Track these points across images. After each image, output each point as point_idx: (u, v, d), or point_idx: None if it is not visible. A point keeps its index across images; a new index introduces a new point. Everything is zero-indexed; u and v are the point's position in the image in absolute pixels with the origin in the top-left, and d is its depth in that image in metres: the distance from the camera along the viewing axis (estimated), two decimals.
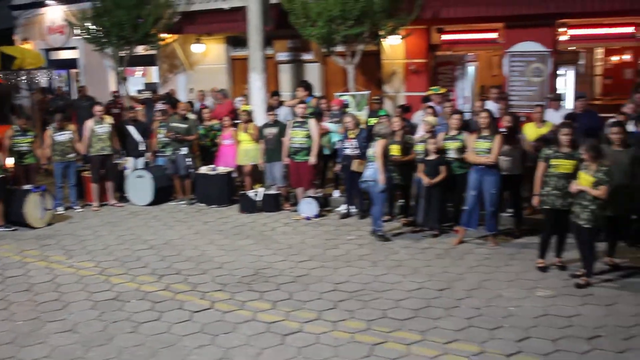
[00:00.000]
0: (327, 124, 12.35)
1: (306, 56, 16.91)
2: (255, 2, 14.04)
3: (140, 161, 13.58)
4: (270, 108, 12.95)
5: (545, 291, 8.10)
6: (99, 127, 12.73)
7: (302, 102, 12.73)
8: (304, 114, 12.00)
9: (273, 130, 12.28)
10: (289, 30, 14.61)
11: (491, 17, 13.83)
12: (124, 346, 6.69)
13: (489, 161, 9.70)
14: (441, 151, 10.29)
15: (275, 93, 14.36)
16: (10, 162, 12.09)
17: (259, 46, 14.27)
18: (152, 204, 13.05)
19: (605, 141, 8.99)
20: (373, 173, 10.21)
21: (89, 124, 12.79)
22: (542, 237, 8.83)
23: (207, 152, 13.80)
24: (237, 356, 6.43)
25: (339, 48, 14.18)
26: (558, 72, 15.33)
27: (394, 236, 10.56)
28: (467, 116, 12.60)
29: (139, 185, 13.13)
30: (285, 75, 17.21)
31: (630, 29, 13.99)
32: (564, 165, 8.41)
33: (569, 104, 14.16)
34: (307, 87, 14.05)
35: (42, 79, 19.97)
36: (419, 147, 10.70)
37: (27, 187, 11.74)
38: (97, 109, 12.98)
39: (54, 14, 19.94)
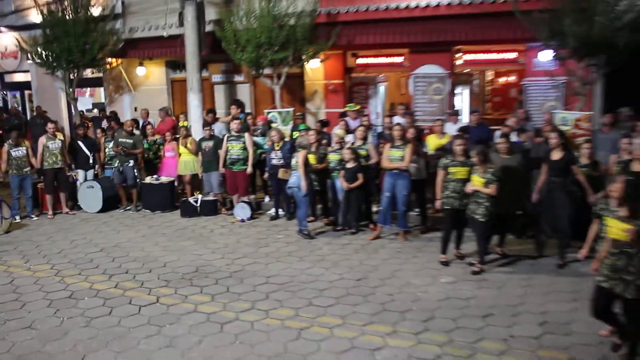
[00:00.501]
0: (254, 138, 12.43)
1: (238, 78, 16.83)
2: (191, 30, 14.02)
3: (90, 173, 13.33)
4: (207, 124, 12.91)
5: (448, 278, 8.35)
6: (52, 143, 12.46)
7: (235, 118, 12.77)
8: (239, 128, 12.04)
9: (209, 144, 12.28)
10: (222, 55, 14.54)
11: (398, 44, 14.09)
12: (78, 339, 6.60)
13: (403, 166, 9.96)
14: (358, 160, 10.48)
15: (210, 110, 14.30)
16: None
17: (195, 69, 14.26)
18: (101, 211, 12.82)
19: (494, 150, 9.35)
20: (296, 180, 10.34)
21: (43, 140, 12.50)
22: (443, 235, 8.99)
23: (151, 164, 13.67)
24: (181, 344, 6.43)
25: (267, 70, 14.19)
26: (455, 91, 15.70)
27: (317, 234, 10.67)
28: (379, 129, 12.88)
29: (90, 194, 12.89)
30: (219, 95, 17.08)
31: (514, 55, 14.48)
32: (460, 171, 8.67)
33: (465, 118, 14.54)
34: (240, 105, 14.10)
35: None
36: (332, 157, 10.89)
37: None
38: (50, 126, 12.70)
39: (7, 40, 19.26)
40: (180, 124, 13.62)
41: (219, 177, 12.38)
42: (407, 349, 6.20)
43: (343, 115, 13.16)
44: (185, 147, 12.68)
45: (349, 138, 11.45)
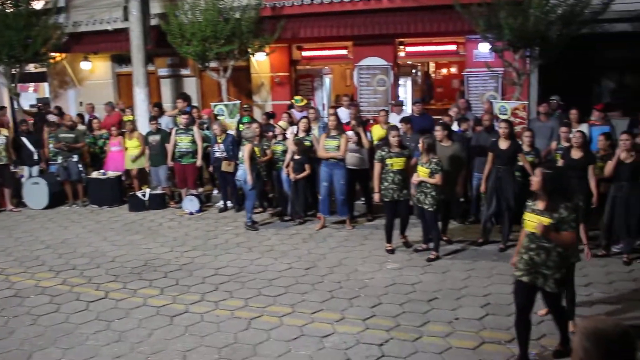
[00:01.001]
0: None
1: (184, 71, 16.60)
2: (136, 24, 13.74)
3: (35, 169, 12.95)
4: (153, 118, 12.69)
5: (394, 264, 8.44)
6: None
7: (182, 112, 12.60)
8: (187, 122, 11.89)
9: (156, 138, 12.09)
10: (168, 49, 14.32)
11: (341, 37, 14.11)
12: (24, 338, 6.40)
13: (339, 156, 9.99)
14: (304, 152, 10.46)
15: (157, 104, 14.06)
16: None
17: (141, 63, 13.99)
18: (47, 207, 12.46)
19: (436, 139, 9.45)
20: (242, 173, 10.29)
21: None
22: (386, 225, 8.99)
23: (97, 158, 13.35)
24: (131, 338, 6.31)
25: (213, 64, 14.05)
26: (399, 82, 15.84)
27: (266, 225, 10.64)
28: (326, 120, 12.87)
29: (35, 191, 12.51)
30: (166, 89, 16.83)
31: (454, 47, 14.66)
32: (397, 162, 8.67)
33: (409, 108, 14.66)
34: (186, 98, 13.90)
35: None
36: (276, 148, 10.84)
37: None
38: None
39: None
40: (125, 118, 13.34)
41: (167, 170, 12.20)
42: (355, 334, 6.24)
43: (290, 107, 13.15)
44: (132, 140, 12.47)
45: (293, 129, 11.43)
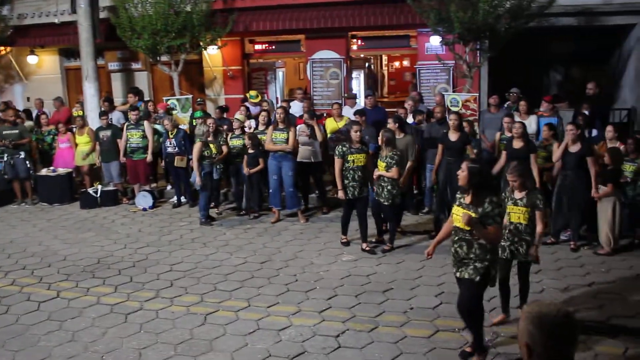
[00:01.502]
0: (155, 126, 12.18)
1: (135, 65, 16.36)
2: (85, 17, 13.46)
3: None
4: (104, 113, 12.47)
5: (349, 256, 8.50)
6: None
7: (133, 106, 12.42)
8: (138, 117, 11.73)
9: (107, 133, 11.89)
10: (118, 42, 14.07)
11: (294, 30, 14.12)
12: None
13: (287, 148, 10.02)
14: (259, 145, 10.44)
15: (107, 99, 13.82)
16: None
17: (90, 57, 13.72)
18: None
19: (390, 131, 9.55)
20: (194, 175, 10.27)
21: None
22: (343, 219, 8.94)
23: (47, 155, 13.05)
24: (84, 337, 6.21)
25: (164, 57, 13.88)
26: (352, 75, 15.92)
27: (221, 220, 10.60)
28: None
29: None
30: (117, 83, 16.56)
31: (405, 40, 14.81)
32: (358, 159, 8.51)
33: (362, 101, 14.76)
34: (137, 93, 13.71)
35: None
36: (235, 142, 10.79)
37: None
38: None
39: None
40: (75, 113, 13.08)
41: (118, 166, 12.01)
42: (311, 327, 6.28)
43: (244, 100, 13.10)
44: (82, 136, 12.24)
45: (251, 123, 11.42)
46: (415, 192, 10.29)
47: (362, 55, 16.61)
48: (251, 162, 10.33)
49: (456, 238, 5.30)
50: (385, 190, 8.48)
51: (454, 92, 12.69)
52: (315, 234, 9.62)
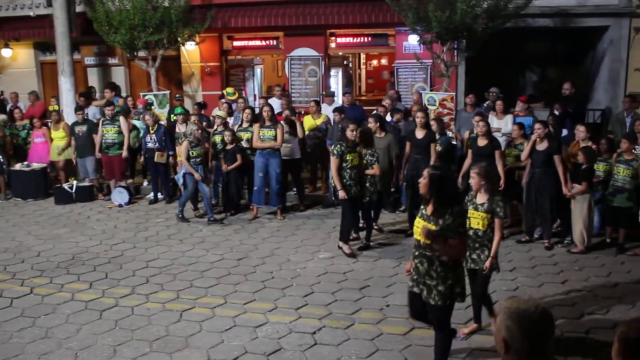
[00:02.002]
0: (133, 121, 12.07)
1: (112, 60, 16.18)
2: (61, 10, 13.26)
3: None
4: (79, 108, 12.31)
5: (326, 254, 8.50)
6: None
7: (109, 102, 12.30)
8: (113, 112, 11.61)
9: (83, 128, 11.76)
10: (95, 37, 13.92)
11: (273, 27, 14.08)
12: None
13: (276, 145, 9.99)
14: (237, 141, 10.39)
15: (82, 94, 13.65)
16: None
17: (67, 51, 13.52)
18: None
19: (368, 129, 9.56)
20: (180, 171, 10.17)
21: None
22: (347, 225, 8.42)
23: (21, 150, 12.86)
24: (58, 334, 6.14)
25: (142, 53, 13.76)
26: (330, 73, 15.92)
27: (199, 217, 10.53)
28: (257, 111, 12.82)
29: None
30: (93, 78, 16.35)
31: (383, 38, 14.85)
32: (355, 158, 8.29)
33: (340, 99, 14.76)
34: (114, 88, 13.58)
35: None
36: (217, 139, 10.71)
37: None
38: None
39: None
40: (51, 108, 12.90)
41: (94, 162, 11.88)
42: (288, 324, 6.28)
43: (221, 97, 13.04)
44: (57, 131, 12.07)
45: (231, 120, 11.37)
46: (392, 190, 10.31)
47: (340, 53, 16.61)
48: (229, 158, 10.27)
49: (417, 253, 4.91)
50: (363, 187, 8.48)
51: (431, 91, 12.76)
52: (292, 232, 9.60)
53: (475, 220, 5.69)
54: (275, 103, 12.07)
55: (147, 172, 12.41)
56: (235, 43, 15.64)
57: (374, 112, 10.61)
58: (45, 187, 12.28)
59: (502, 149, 9.04)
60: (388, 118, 10.87)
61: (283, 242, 9.06)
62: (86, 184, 11.96)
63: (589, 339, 5.89)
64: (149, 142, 11.19)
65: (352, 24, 13.56)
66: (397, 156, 9.43)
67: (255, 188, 10.25)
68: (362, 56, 18.71)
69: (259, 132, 10.07)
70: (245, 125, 10.66)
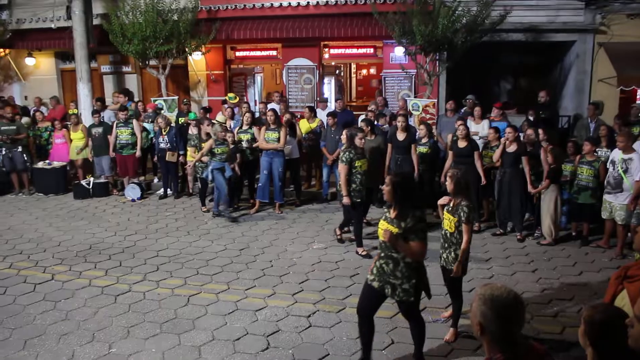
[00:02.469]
0: (143, 124, 12.06)
1: (126, 68, 16.13)
2: (79, 23, 13.23)
3: None
4: (96, 111, 12.27)
5: (319, 245, 8.51)
6: None
7: (123, 106, 12.26)
8: (127, 115, 11.58)
9: (99, 130, 11.73)
10: (110, 47, 13.85)
11: (272, 39, 14.05)
12: None
13: (279, 147, 9.98)
14: (236, 142, 10.37)
15: (99, 99, 13.60)
16: None
17: (84, 60, 13.49)
18: None
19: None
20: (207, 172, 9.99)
21: None
22: (357, 229, 8.14)
23: (43, 149, 12.81)
24: (77, 316, 6.14)
25: (153, 62, 13.73)
26: (324, 81, 15.90)
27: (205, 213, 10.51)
28: (257, 115, 12.80)
29: None
30: (108, 84, 16.31)
31: (372, 50, 14.83)
32: (363, 163, 8.08)
33: (332, 105, 14.75)
34: (127, 93, 13.55)
35: None
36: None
37: None
38: None
39: None
40: (70, 111, 12.85)
41: (109, 160, 11.85)
42: (285, 308, 6.29)
43: (224, 102, 13.04)
44: (76, 132, 12.02)
45: (231, 123, 11.35)
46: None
47: (333, 63, 16.60)
48: (230, 157, 10.25)
49: (382, 254, 4.75)
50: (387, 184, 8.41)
51: (415, 97, 12.76)
52: (289, 224, 9.60)
53: (446, 221, 5.48)
54: (275, 107, 12.04)
55: (157, 170, 12.36)
56: (238, 53, 15.59)
57: (363, 117, 10.62)
58: (65, 183, 12.24)
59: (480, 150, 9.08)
60: (376, 122, 10.87)
61: (281, 234, 9.06)
62: (102, 180, 11.91)
63: (556, 321, 5.93)
64: (161, 142, 11.17)
65: (344, 36, 13.54)
66: (385, 155, 9.45)
67: (260, 184, 10.25)
68: (353, 66, 18.64)
69: (265, 134, 10.07)
70: (245, 127, 10.65)
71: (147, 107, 12.96)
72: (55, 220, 10.07)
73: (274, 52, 15.27)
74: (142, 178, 12.34)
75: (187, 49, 13.59)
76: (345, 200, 7.92)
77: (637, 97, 12.79)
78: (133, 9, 13.03)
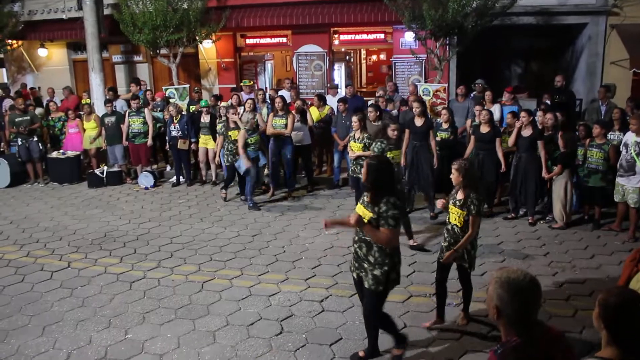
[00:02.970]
0: (154, 113, 12.06)
1: (137, 57, 16.17)
2: (90, 13, 13.25)
3: None
4: (108, 101, 12.28)
5: (331, 230, 8.44)
6: None
7: (135, 95, 12.27)
8: (139, 105, 11.59)
9: (112, 119, 11.73)
10: (121, 37, 13.87)
11: (282, 26, 14.01)
12: None
13: (286, 133, 9.94)
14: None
15: (111, 89, 13.63)
16: None
17: (96, 50, 13.52)
18: (9, 186, 11.91)
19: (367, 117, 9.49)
20: (239, 162, 9.72)
21: None
22: (405, 222, 7.71)
23: (57, 139, 12.86)
24: (93, 303, 6.18)
25: (163, 50, 13.72)
26: (334, 67, 15.84)
27: (216, 197, 10.50)
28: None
29: None
30: (120, 74, 16.35)
31: (382, 35, 14.73)
32: (397, 155, 7.97)
33: (342, 91, 14.70)
34: (138, 83, 13.54)
35: None
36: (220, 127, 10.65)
37: None
38: None
39: None
40: (83, 101, 12.89)
41: (122, 149, 11.88)
42: (298, 293, 6.29)
43: (233, 89, 13.02)
44: (89, 122, 12.05)
45: (239, 110, 11.30)
46: None
47: (343, 49, 16.52)
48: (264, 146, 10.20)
49: (356, 238, 4.65)
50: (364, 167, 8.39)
51: (426, 82, 12.67)
52: (301, 210, 9.59)
53: (453, 215, 5.27)
54: (285, 95, 12.01)
55: (169, 158, 12.40)
56: (248, 41, 15.57)
57: (371, 102, 10.55)
58: (79, 172, 12.28)
59: None
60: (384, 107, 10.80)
61: (293, 220, 9.06)
62: (115, 169, 11.95)
63: (568, 304, 5.89)
64: (172, 130, 11.17)
65: (354, 22, 13.49)
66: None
67: (270, 171, 10.26)
68: (363, 52, 18.56)
69: (272, 121, 10.04)
70: (281, 113, 10.16)
71: (156, 96, 12.96)
72: (70, 209, 10.13)
73: (284, 39, 15.23)
74: (154, 166, 12.37)
75: (197, 38, 13.60)
76: None
77: None
78: None
